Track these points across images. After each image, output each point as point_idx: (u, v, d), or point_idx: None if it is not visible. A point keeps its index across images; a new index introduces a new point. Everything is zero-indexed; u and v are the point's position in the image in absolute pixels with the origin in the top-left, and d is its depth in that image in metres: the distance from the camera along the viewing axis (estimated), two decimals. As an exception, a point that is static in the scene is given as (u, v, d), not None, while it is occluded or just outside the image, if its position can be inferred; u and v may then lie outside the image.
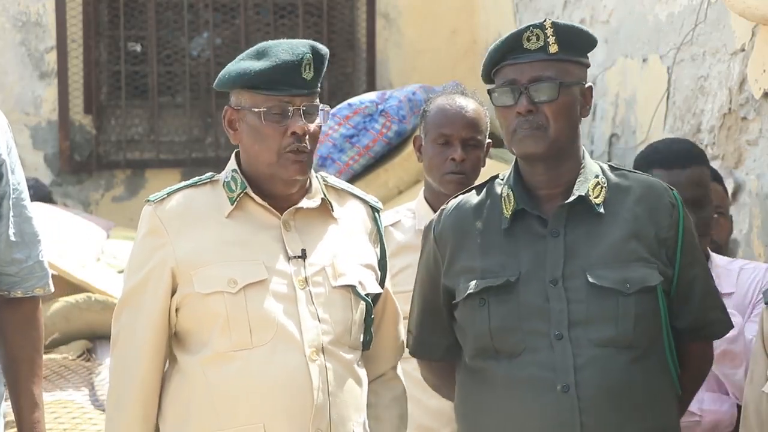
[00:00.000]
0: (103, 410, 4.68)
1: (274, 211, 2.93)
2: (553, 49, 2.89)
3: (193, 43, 7.66)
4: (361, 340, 2.99)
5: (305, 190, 2.97)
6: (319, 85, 2.96)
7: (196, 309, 2.89)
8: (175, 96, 7.64)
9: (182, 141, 7.59)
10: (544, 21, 2.91)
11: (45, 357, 4.95)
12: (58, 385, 4.86)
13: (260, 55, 2.91)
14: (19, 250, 3.00)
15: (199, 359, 2.89)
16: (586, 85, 2.96)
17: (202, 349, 2.89)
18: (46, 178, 7.34)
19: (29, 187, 7.03)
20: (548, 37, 2.89)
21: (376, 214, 3.09)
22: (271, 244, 2.92)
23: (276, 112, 2.88)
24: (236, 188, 2.93)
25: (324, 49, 2.95)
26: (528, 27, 2.89)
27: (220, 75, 2.95)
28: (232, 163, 2.99)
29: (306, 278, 2.91)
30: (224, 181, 2.96)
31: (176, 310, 2.92)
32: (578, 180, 2.92)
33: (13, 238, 2.98)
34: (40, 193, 6.71)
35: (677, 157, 3.57)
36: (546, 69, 2.88)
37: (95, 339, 5.32)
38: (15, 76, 7.34)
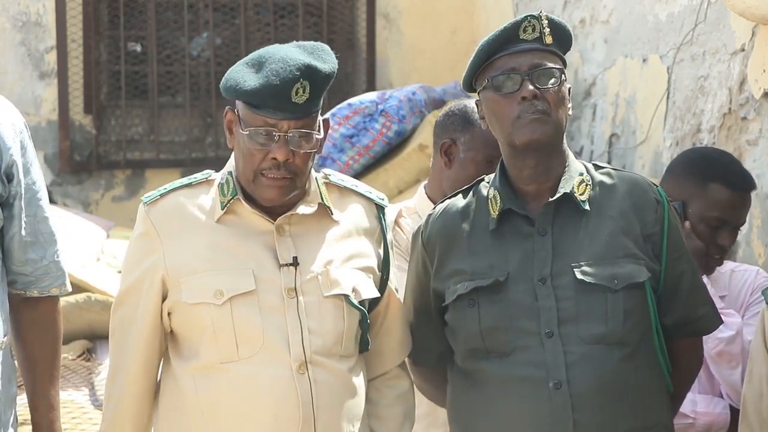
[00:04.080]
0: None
1: (267, 217, 2.88)
2: (548, 40, 2.91)
3: (193, 43, 7.65)
4: (355, 347, 2.95)
5: (303, 194, 2.91)
6: (318, 105, 2.85)
7: (185, 317, 2.88)
8: (175, 96, 7.64)
9: (182, 141, 7.59)
10: (540, 13, 2.92)
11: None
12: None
13: (257, 66, 2.82)
14: (33, 250, 2.99)
15: (189, 368, 2.88)
16: (568, 86, 2.97)
17: (192, 357, 2.87)
18: (46, 178, 7.32)
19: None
20: (544, 28, 2.91)
21: (381, 212, 3.03)
22: (262, 251, 2.87)
23: (261, 134, 2.81)
24: (228, 193, 2.88)
25: (326, 70, 2.83)
26: (525, 17, 2.90)
27: (223, 79, 2.88)
28: (230, 164, 2.94)
29: (296, 288, 2.85)
30: (219, 183, 2.92)
31: (168, 314, 2.90)
32: (563, 178, 2.93)
33: (26, 238, 2.98)
34: (40, 193, 6.71)
35: (744, 181, 3.58)
36: (544, 58, 2.90)
37: (95, 339, 5.32)
38: (15, 76, 7.34)
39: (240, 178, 2.89)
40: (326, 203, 2.94)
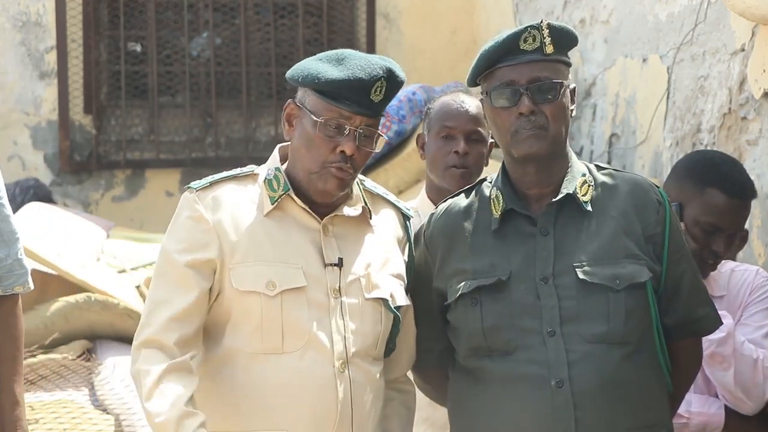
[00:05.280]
0: (103, 410, 4.69)
1: (315, 215, 2.92)
2: (549, 49, 2.90)
3: (193, 43, 7.66)
4: (384, 349, 2.99)
5: (346, 196, 2.96)
6: (384, 109, 2.93)
7: (230, 304, 2.88)
8: (175, 96, 7.64)
9: (182, 141, 7.59)
10: (541, 22, 2.91)
11: (45, 357, 4.97)
12: (58, 385, 4.85)
13: (338, 62, 2.88)
14: None
15: (224, 355, 2.88)
16: (572, 86, 2.97)
17: (230, 345, 2.88)
18: (46, 178, 7.35)
19: (29, 188, 7.03)
20: (544, 38, 2.90)
21: (407, 221, 3.09)
22: (309, 248, 2.90)
23: (332, 126, 2.86)
24: (278, 188, 2.91)
25: (401, 76, 2.92)
26: (525, 28, 2.90)
27: (294, 68, 2.93)
28: (274, 160, 2.97)
29: (340, 288, 2.90)
30: (266, 178, 2.94)
31: (216, 296, 2.88)
32: (566, 179, 2.95)
33: None
34: (40, 193, 6.71)
35: (742, 189, 3.55)
36: (543, 69, 2.90)
37: (95, 339, 5.32)
38: (15, 76, 7.34)
39: (298, 171, 2.92)
40: (369, 207, 3.00)
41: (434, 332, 3.05)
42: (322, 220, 2.92)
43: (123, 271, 5.81)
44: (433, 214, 3.08)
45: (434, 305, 3.03)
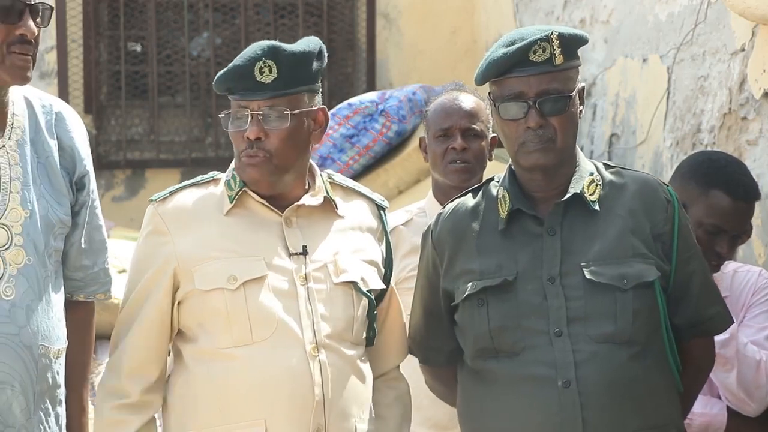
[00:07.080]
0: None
1: (275, 208, 2.95)
2: (559, 60, 2.89)
3: (193, 43, 7.66)
4: (365, 336, 3.00)
5: (307, 188, 2.99)
6: (293, 86, 2.92)
7: (198, 305, 2.92)
8: (175, 96, 7.64)
9: (182, 141, 7.59)
10: (551, 34, 2.88)
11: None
12: (59, 385, 4.85)
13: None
14: (87, 257, 3.04)
15: (202, 355, 2.92)
16: (580, 86, 2.96)
17: (205, 345, 2.92)
18: (46, 178, 7.34)
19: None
20: (554, 49, 2.88)
21: (382, 212, 3.11)
22: (272, 240, 2.94)
23: (237, 117, 2.92)
24: (235, 186, 2.96)
25: (291, 48, 2.93)
26: (535, 41, 2.87)
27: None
28: (234, 162, 3.01)
29: (306, 275, 2.92)
30: (225, 180, 2.99)
31: (178, 303, 2.95)
32: (573, 178, 2.95)
33: (83, 246, 3.03)
34: (40, 193, 6.71)
35: (746, 191, 3.54)
36: (552, 81, 2.89)
37: (96, 339, 5.31)
38: (15, 76, 7.33)
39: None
40: (331, 197, 3.01)
41: (443, 333, 3.05)
42: (283, 213, 2.95)
43: (123, 271, 5.80)
44: (440, 214, 3.08)
45: (443, 306, 3.03)
